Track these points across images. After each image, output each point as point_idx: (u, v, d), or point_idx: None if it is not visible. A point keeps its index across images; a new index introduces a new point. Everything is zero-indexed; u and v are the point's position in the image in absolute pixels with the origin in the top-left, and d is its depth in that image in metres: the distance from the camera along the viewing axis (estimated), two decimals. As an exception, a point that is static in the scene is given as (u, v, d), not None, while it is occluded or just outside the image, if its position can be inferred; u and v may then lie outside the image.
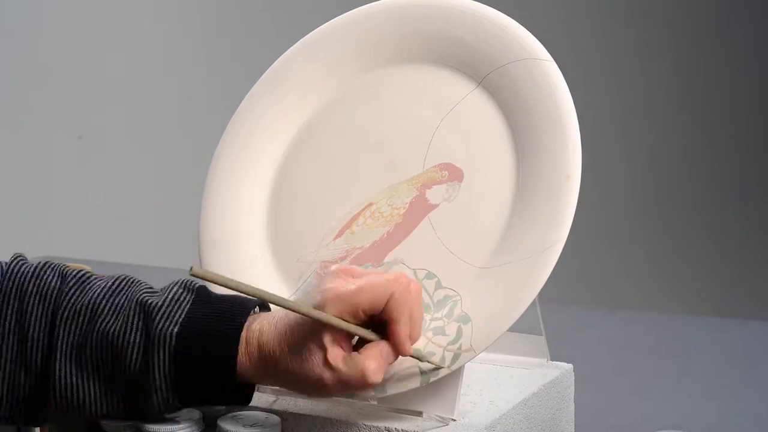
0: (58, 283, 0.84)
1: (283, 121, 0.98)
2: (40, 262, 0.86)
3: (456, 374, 0.84)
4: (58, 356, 0.82)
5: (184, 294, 0.82)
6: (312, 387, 0.80)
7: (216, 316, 0.81)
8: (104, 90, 2.98)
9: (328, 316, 0.78)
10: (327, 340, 0.78)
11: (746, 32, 4.77)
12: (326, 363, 0.78)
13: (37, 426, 0.92)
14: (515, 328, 0.85)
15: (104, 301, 0.83)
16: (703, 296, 3.85)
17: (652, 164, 4.50)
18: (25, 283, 0.84)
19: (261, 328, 0.81)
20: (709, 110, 4.71)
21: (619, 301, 3.65)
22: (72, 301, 0.83)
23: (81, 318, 0.83)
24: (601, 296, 3.74)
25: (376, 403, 0.85)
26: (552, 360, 1.00)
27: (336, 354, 0.79)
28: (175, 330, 0.80)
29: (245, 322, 0.81)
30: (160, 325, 0.80)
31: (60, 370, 0.82)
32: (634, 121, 4.47)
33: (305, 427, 0.88)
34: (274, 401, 0.91)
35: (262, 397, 0.92)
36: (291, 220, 0.95)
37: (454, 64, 0.93)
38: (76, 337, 0.82)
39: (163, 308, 0.81)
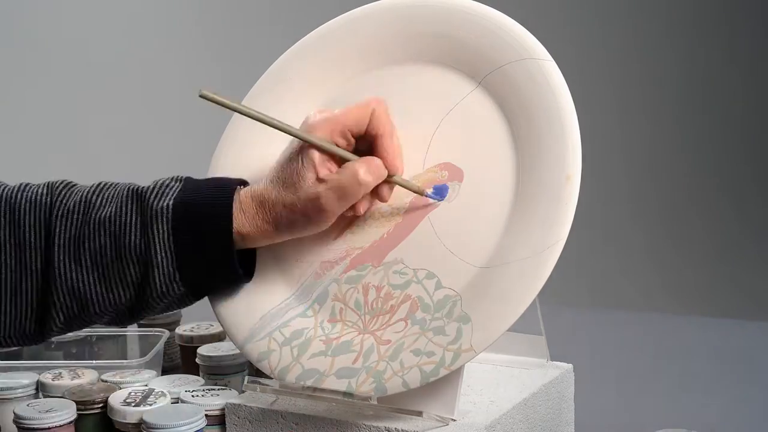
0: (46, 190, 0.88)
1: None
2: (21, 183, 0.90)
3: (456, 374, 0.84)
4: (57, 254, 0.85)
5: (172, 182, 0.87)
6: (308, 209, 0.85)
7: (206, 188, 0.86)
8: (104, 90, 2.98)
9: (319, 139, 0.85)
10: (317, 159, 0.84)
11: (745, 32, 4.77)
12: (318, 179, 0.84)
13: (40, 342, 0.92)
14: (515, 328, 0.85)
15: (95, 196, 0.87)
16: (703, 296, 3.85)
17: (653, 164, 4.50)
18: (14, 196, 0.88)
19: (250, 186, 0.87)
20: (709, 110, 4.71)
21: (619, 302, 3.65)
22: (63, 202, 0.87)
23: (75, 215, 0.86)
24: (601, 296, 3.74)
25: (376, 403, 0.85)
26: (552, 360, 1.01)
27: (326, 169, 0.85)
28: (171, 203, 0.85)
29: (235, 189, 0.86)
30: (155, 202, 0.85)
31: (60, 268, 0.85)
32: (633, 121, 4.47)
33: (305, 427, 0.88)
34: (274, 401, 0.91)
35: (261, 397, 0.92)
36: (291, 220, 0.95)
37: (454, 64, 0.92)
38: (73, 232, 0.85)
39: (155, 191, 0.86)
